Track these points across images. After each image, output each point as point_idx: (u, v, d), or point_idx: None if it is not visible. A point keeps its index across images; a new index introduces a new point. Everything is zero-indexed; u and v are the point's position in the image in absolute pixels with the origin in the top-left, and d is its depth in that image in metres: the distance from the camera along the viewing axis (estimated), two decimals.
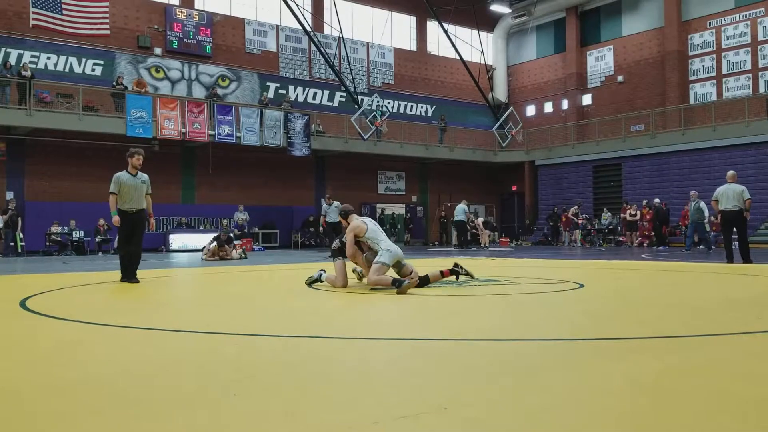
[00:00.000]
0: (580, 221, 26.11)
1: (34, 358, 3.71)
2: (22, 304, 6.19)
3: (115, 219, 8.72)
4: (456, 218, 23.71)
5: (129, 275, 8.82)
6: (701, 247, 19.88)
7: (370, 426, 2.32)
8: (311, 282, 7.96)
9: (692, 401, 2.64)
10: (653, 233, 23.29)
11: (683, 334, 4.28)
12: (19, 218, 20.40)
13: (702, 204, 19.08)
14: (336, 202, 17.81)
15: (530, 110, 34.05)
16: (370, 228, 7.62)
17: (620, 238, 24.98)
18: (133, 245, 8.92)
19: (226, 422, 2.40)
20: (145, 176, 9.07)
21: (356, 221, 7.69)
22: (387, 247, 7.48)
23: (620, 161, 27.91)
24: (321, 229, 18.55)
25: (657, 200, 23.93)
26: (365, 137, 25.54)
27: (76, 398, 2.76)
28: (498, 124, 28.98)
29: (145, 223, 9.03)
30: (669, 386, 2.89)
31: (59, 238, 21.42)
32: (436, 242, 30.68)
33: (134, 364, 3.50)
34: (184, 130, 22.53)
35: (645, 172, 27.13)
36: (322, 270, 8.15)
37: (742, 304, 6.05)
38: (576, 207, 26.21)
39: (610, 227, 25.90)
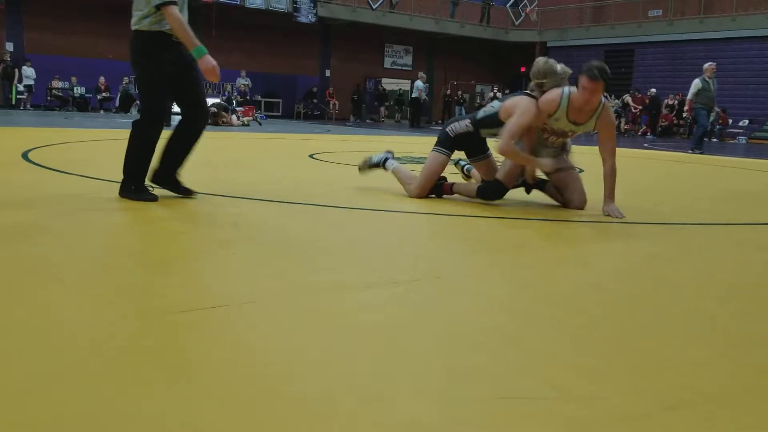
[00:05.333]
0: None
1: (32, 208, 3.76)
2: (25, 156, 6.22)
3: (208, 62, 3.89)
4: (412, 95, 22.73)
5: (166, 178, 4.23)
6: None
7: (363, 289, 2.40)
8: (369, 166, 5.21)
9: (678, 284, 2.71)
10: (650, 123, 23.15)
11: (678, 221, 4.35)
12: (16, 70, 20.09)
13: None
14: None
15: None
16: None
17: (625, 126, 24.75)
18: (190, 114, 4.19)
19: (220, 278, 2.48)
20: None
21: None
22: None
23: (633, 47, 27.13)
24: None
25: (654, 90, 23.58)
26: (374, 6, 24.70)
27: (72, 248, 2.83)
28: (512, 0, 27.96)
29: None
30: (659, 270, 2.96)
31: (60, 94, 21.21)
32: (440, 121, 30.42)
33: (134, 220, 3.56)
34: None
35: (657, 60, 26.44)
36: (389, 152, 5.21)
37: (739, 196, 6.09)
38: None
39: (617, 114, 25.62)
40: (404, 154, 9.13)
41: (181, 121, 4.19)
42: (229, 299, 2.16)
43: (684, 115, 12.20)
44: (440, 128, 5.12)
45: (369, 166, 5.21)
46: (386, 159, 5.11)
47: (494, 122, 4.58)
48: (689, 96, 13.33)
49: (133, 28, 3.97)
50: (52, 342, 1.72)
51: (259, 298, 2.21)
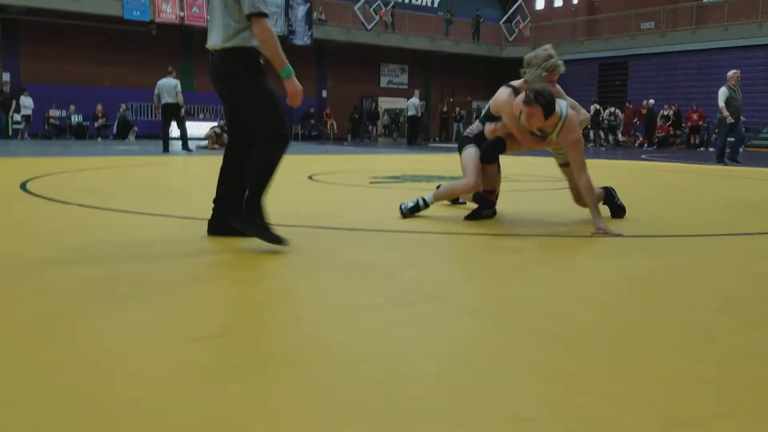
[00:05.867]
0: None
1: (33, 239, 3.76)
2: (23, 187, 6.23)
3: (296, 85, 3.56)
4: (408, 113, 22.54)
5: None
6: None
7: (369, 311, 2.39)
8: (410, 211, 4.78)
9: (680, 298, 2.71)
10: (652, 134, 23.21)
11: (679, 233, 4.34)
12: (14, 100, 20.16)
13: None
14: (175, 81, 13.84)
15: (539, 3, 33.00)
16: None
17: (622, 138, 24.80)
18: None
19: (225, 303, 2.47)
20: None
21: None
22: None
23: (627, 60, 27.31)
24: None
25: (652, 101, 23.64)
26: (369, 27, 24.87)
27: (74, 276, 2.82)
28: (506, 17, 28.18)
29: None
30: (660, 284, 2.96)
31: (58, 122, 21.31)
32: (437, 138, 30.51)
33: (139, 246, 3.56)
34: (182, 14, 21.93)
35: (652, 72, 26.60)
36: (421, 198, 4.82)
37: (741, 206, 6.09)
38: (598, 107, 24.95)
39: (612, 125, 25.68)
40: (402, 173, 9.15)
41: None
42: (229, 327, 2.15)
43: (728, 120, 11.36)
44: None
45: (409, 213, 4.80)
46: (416, 202, 4.79)
47: (489, 116, 4.85)
48: (720, 103, 12.41)
49: (226, 45, 3.37)
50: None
51: (264, 322, 2.20)
